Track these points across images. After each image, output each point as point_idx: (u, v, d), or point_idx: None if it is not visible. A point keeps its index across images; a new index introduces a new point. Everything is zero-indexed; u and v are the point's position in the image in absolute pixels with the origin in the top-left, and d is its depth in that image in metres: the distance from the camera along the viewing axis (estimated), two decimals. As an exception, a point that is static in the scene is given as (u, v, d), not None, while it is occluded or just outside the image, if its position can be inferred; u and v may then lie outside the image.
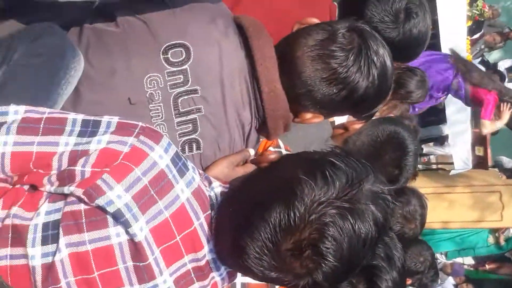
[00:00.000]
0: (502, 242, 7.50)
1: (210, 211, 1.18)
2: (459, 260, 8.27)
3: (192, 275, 1.16)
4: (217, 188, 1.23)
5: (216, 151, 1.47)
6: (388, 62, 1.46)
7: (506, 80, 9.08)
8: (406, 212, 2.48)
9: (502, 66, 9.30)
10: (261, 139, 1.74)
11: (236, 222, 1.11)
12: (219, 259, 1.18)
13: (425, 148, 8.23)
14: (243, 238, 1.06)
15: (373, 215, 1.04)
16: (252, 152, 1.52)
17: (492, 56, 10.70)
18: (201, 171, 1.27)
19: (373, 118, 2.21)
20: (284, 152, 1.88)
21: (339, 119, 2.33)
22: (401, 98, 3.16)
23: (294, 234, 1.01)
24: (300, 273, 1.04)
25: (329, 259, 1.01)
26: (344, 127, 2.21)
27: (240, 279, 1.42)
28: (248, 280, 1.44)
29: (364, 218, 1.03)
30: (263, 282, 1.29)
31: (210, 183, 1.23)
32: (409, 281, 2.96)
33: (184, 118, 1.42)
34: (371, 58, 1.39)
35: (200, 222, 1.15)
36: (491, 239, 7.51)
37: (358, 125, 2.16)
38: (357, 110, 1.55)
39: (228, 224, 1.14)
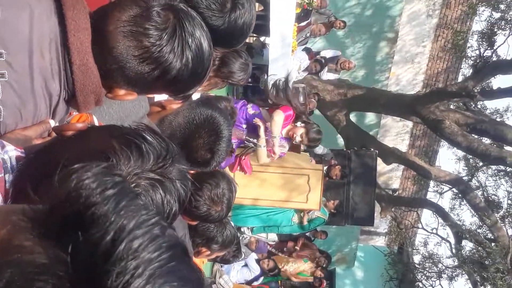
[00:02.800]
0: (305, 222, 7.91)
1: (3, 174, 1.10)
2: (263, 235, 8.60)
3: None
4: (12, 151, 1.16)
5: (18, 120, 1.34)
6: (205, 45, 1.42)
7: (326, 69, 9.57)
8: (214, 194, 2.49)
9: (325, 55, 9.79)
10: (75, 113, 1.65)
11: (39, 185, 1.03)
12: None
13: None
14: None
15: (178, 191, 1.08)
16: (52, 123, 1.43)
17: (316, 45, 11.22)
18: None
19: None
20: None
21: (159, 96, 2.25)
22: (223, 77, 3.21)
23: None
24: None
25: None
26: (161, 105, 2.17)
27: None
28: None
29: (171, 193, 1.06)
30: None
31: (3, 146, 1.15)
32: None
33: None
34: (186, 39, 1.36)
35: None
36: (295, 219, 7.89)
37: (175, 105, 2.14)
38: (171, 91, 1.50)
39: (29, 188, 1.05)
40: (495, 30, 10.55)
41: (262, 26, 7.50)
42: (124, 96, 1.47)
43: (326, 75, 9.97)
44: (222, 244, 2.98)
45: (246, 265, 8.91)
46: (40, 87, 1.33)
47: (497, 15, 10.74)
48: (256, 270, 8.91)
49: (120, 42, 1.33)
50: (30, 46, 1.30)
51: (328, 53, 9.92)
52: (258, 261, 9.04)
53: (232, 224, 3.18)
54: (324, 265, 9.74)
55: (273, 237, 8.91)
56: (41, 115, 1.37)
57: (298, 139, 5.71)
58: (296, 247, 9.47)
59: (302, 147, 8.63)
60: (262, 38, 8.95)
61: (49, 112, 1.39)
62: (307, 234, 9.64)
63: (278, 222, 7.86)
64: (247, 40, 10.23)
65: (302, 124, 5.72)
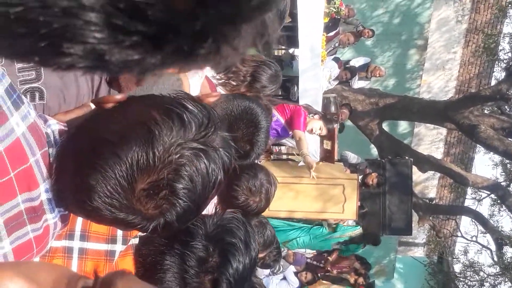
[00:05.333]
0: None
1: (47, 148, 1.10)
2: (301, 250, 8.55)
3: (25, 216, 1.07)
4: (54, 125, 1.16)
5: (61, 102, 1.35)
6: None
7: (357, 78, 9.53)
8: (252, 184, 2.46)
9: (355, 63, 9.75)
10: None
11: (83, 160, 1.04)
12: (60, 199, 1.12)
13: (277, 139, 8.40)
14: (93, 176, 0.99)
15: (222, 159, 1.07)
16: (92, 107, 1.41)
17: (345, 55, 11.20)
18: None
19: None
20: None
21: (194, 89, 2.24)
22: (255, 92, 3.19)
23: (152, 174, 0.99)
24: (153, 214, 1.02)
25: (184, 199, 1.02)
26: (198, 98, 2.13)
27: (78, 243, 1.31)
28: (87, 246, 1.32)
29: (215, 161, 1.05)
30: (105, 237, 1.30)
31: (46, 120, 1.16)
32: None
33: (26, 64, 1.27)
34: None
35: (36, 159, 1.06)
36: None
37: (212, 98, 2.12)
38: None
39: (73, 163, 1.07)
40: (527, 31, 10.40)
41: (291, 37, 7.51)
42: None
43: (357, 83, 9.91)
44: (264, 244, 2.95)
45: (284, 278, 8.84)
46: None
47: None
48: (295, 283, 8.82)
49: None
50: None
51: (358, 62, 9.88)
52: (296, 273, 8.96)
53: (271, 225, 3.16)
54: (363, 272, 9.58)
55: (310, 251, 8.84)
56: (83, 97, 1.37)
57: (317, 132, 5.78)
58: (329, 258, 9.34)
59: (336, 157, 8.60)
60: (291, 50, 8.96)
61: (91, 94, 1.38)
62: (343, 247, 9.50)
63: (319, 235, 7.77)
64: (275, 53, 10.26)
65: (316, 116, 5.80)
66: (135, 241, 1.42)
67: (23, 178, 1.03)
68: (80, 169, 1.03)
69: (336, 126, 8.83)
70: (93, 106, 1.38)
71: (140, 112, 1.06)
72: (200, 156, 1.03)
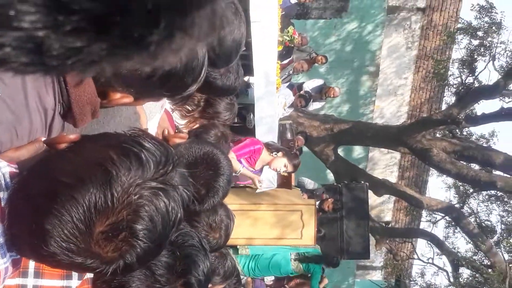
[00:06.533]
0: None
1: None
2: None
3: None
4: (5, 168, 1.12)
5: (13, 137, 1.30)
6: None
7: (311, 100, 9.59)
8: (212, 220, 2.42)
9: (307, 87, 9.81)
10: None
11: (37, 204, 1.00)
12: (13, 244, 1.07)
13: (234, 166, 8.36)
14: (48, 220, 0.95)
15: (181, 197, 1.06)
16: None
17: (300, 80, 11.30)
18: None
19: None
20: None
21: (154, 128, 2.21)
22: (209, 118, 3.21)
23: (110, 215, 0.97)
24: (112, 257, 0.99)
25: (144, 240, 0.99)
26: (164, 138, 2.10)
27: (32, 281, 1.25)
28: (41, 283, 1.26)
29: (174, 199, 1.04)
30: (60, 273, 1.25)
31: None
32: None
33: None
34: None
35: None
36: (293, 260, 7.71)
37: (178, 139, 2.08)
38: (167, 91, 1.43)
39: (26, 207, 1.03)
40: (475, 56, 10.72)
41: (245, 65, 7.55)
42: (120, 99, 1.41)
43: (312, 105, 9.94)
44: (224, 276, 2.91)
45: (244, 307, 8.75)
46: (34, 101, 1.29)
47: (476, 42, 10.94)
48: (255, 311, 8.74)
49: None
50: None
51: (311, 84, 9.94)
52: (256, 301, 8.88)
53: (232, 255, 3.12)
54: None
55: (270, 278, 8.76)
56: (36, 132, 1.33)
57: (283, 169, 5.58)
58: (286, 286, 9.27)
59: (293, 183, 8.61)
60: (246, 78, 9.00)
61: (44, 128, 1.35)
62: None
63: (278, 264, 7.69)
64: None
65: (279, 154, 5.55)
66: (90, 275, 1.38)
67: None
68: (34, 214, 0.99)
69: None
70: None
71: (96, 152, 1.04)
72: (159, 195, 1.01)
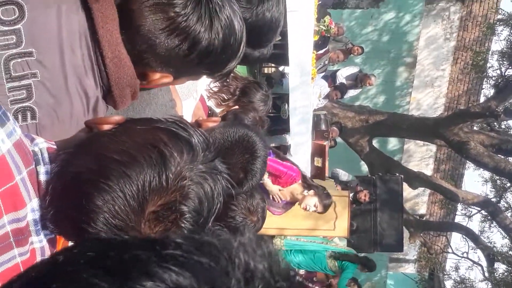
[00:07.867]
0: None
1: (34, 166, 1.05)
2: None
3: (11, 239, 1.02)
4: (42, 144, 1.11)
5: (54, 120, 1.31)
6: (235, 17, 1.38)
7: (348, 91, 9.51)
8: (250, 204, 2.42)
9: (341, 75, 9.72)
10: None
11: (87, 179, 1.00)
12: (52, 221, 1.06)
13: (268, 157, 8.37)
14: (100, 196, 0.96)
15: (222, 182, 1.08)
16: None
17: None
18: None
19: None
20: None
21: (185, 115, 2.22)
22: (243, 106, 3.22)
23: (163, 196, 0.98)
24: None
25: (191, 222, 1.01)
26: (197, 123, 2.11)
27: None
28: None
29: (218, 184, 1.06)
30: None
31: (32, 139, 1.11)
32: None
33: (17, 84, 1.24)
34: (213, 9, 1.32)
35: (22, 177, 1.02)
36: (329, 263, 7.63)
37: (211, 123, 2.09)
38: (206, 68, 1.44)
39: (74, 183, 1.03)
40: (516, 48, 10.51)
41: (280, 55, 7.53)
42: (160, 79, 1.42)
43: (349, 92, 9.79)
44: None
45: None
46: (74, 85, 1.30)
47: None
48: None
49: (146, 18, 1.31)
50: (60, 43, 1.26)
51: (346, 72, 9.83)
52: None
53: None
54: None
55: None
56: (78, 115, 1.34)
57: (312, 209, 5.10)
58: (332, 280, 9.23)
59: (327, 174, 8.58)
60: (281, 68, 8.99)
61: (86, 111, 1.36)
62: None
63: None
64: (265, 71, 10.24)
65: (311, 192, 5.07)
66: None
67: (8, 197, 0.99)
68: (84, 189, 1.00)
69: (327, 143, 8.86)
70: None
71: (146, 134, 1.05)
72: (207, 179, 1.03)
